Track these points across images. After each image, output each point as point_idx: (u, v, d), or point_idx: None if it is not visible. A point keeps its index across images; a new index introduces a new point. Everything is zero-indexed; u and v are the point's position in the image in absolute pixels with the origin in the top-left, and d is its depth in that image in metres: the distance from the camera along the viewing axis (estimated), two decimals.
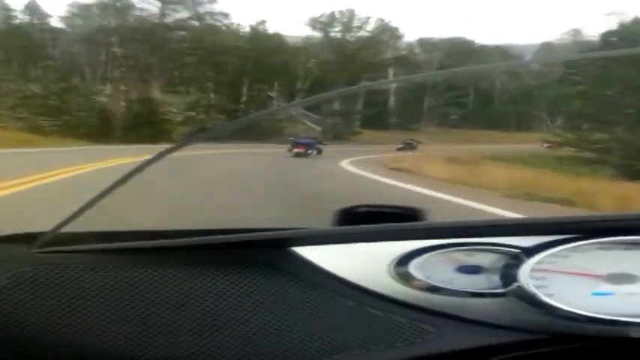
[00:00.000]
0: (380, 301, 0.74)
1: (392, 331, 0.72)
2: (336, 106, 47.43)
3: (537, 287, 0.72)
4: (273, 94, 48.12)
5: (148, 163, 0.77)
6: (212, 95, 48.43)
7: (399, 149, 35.82)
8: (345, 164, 20.36)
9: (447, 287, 0.74)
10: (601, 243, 0.75)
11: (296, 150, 24.28)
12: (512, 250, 0.74)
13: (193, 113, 44.71)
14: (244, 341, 0.72)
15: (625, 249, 0.75)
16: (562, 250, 0.74)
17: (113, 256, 0.78)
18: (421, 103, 58.39)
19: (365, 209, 0.93)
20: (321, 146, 26.75)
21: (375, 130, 49.54)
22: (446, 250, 0.75)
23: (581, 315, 0.72)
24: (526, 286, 0.72)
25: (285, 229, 0.80)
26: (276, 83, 49.26)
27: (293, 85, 50.52)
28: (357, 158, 23.36)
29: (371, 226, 0.79)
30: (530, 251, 0.74)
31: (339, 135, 45.90)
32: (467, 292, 0.73)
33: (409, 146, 38.46)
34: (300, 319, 0.73)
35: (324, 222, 0.91)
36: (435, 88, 57.51)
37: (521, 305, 0.73)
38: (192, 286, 0.74)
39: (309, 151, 24.93)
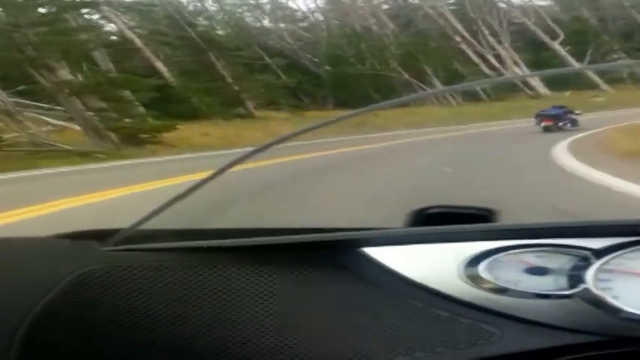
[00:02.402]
0: (446, 302, 0.74)
1: (456, 333, 0.73)
2: None
3: (603, 289, 0.72)
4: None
5: (246, 156, 0.79)
6: None
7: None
8: (562, 151, 13.52)
9: (514, 288, 0.73)
10: None
11: (544, 124, 21.13)
12: (581, 251, 0.74)
13: None
14: (309, 342, 0.73)
15: None
16: (631, 251, 0.73)
17: (183, 255, 0.79)
18: None
19: (436, 210, 0.93)
20: (575, 116, 22.83)
21: None
22: (515, 251, 0.75)
23: None
24: (592, 288, 0.72)
25: (354, 229, 0.80)
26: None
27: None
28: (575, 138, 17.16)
29: (441, 227, 0.79)
30: (599, 253, 0.73)
31: None
32: (532, 294, 0.73)
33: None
34: (365, 320, 0.74)
35: (396, 223, 0.91)
36: None
37: (586, 307, 0.72)
38: (259, 287, 0.75)
39: (561, 124, 21.42)
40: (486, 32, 51.65)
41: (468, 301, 0.74)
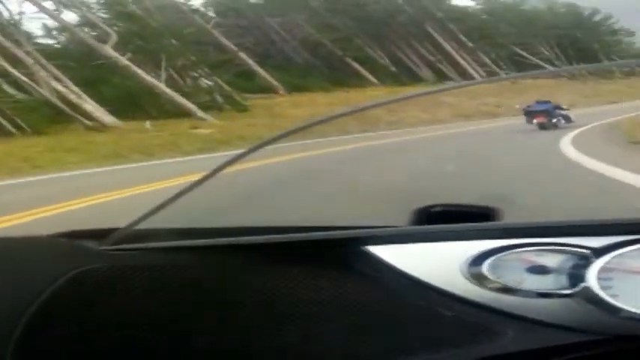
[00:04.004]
0: (450, 301, 0.74)
1: (459, 332, 0.73)
2: None
3: (603, 288, 0.72)
4: None
5: (239, 157, 0.78)
6: None
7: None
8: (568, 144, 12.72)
9: (516, 287, 0.74)
10: None
11: (538, 120, 19.03)
12: (581, 250, 0.74)
13: None
14: (309, 340, 0.73)
15: None
16: (631, 250, 0.74)
17: (180, 254, 0.78)
18: None
19: (439, 208, 0.92)
20: (566, 112, 20.60)
21: None
22: (518, 250, 0.75)
23: None
24: (593, 287, 0.72)
25: (358, 227, 0.80)
26: None
27: None
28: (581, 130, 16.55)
29: (444, 225, 0.80)
30: (600, 252, 0.74)
31: None
32: (534, 293, 0.74)
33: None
34: (368, 319, 0.74)
35: (399, 221, 0.92)
36: None
37: (587, 306, 0.72)
38: (260, 285, 0.75)
39: (554, 120, 19.40)
40: None
41: (471, 300, 0.74)
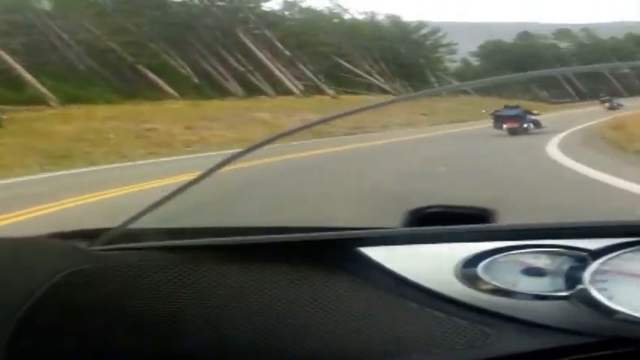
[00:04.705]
0: (443, 302, 0.74)
1: (453, 334, 0.72)
2: None
3: (599, 290, 0.72)
4: None
5: (236, 157, 0.78)
6: None
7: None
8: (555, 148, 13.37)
9: (511, 289, 0.74)
10: None
11: (509, 126, 18.91)
12: (578, 252, 0.75)
13: None
14: (302, 341, 0.72)
15: None
16: (627, 252, 0.74)
17: (172, 254, 0.78)
18: None
19: (434, 210, 0.91)
20: (536, 117, 20.70)
21: None
22: (513, 252, 0.75)
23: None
24: (589, 289, 0.72)
25: (351, 228, 0.80)
26: None
27: None
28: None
29: (438, 227, 0.79)
30: (595, 254, 0.74)
31: None
32: (530, 295, 0.73)
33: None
34: (361, 321, 0.73)
35: (393, 222, 0.89)
36: None
37: (583, 308, 0.72)
38: (252, 285, 0.74)
39: (525, 125, 19.33)
40: None
41: (465, 302, 0.74)
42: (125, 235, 0.79)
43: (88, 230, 0.84)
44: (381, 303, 0.74)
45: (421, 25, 62.19)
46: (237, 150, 0.81)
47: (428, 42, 61.87)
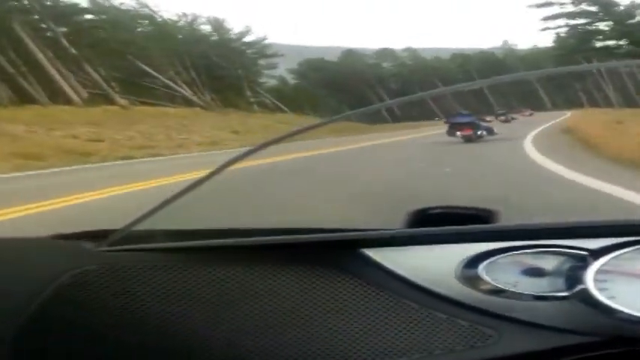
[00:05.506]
0: (444, 303, 0.74)
1: (453, 335, 0.73)
2: None
3: (600, 290, 0.72)
4: None
5: (242, 157, 0.79)
6: None
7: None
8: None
9: (512, 290, 0.74)
10: None
11: (464, 133, 18.63)
12: (578, 252, 0.74)
13: None
14: (305, 342, 0.72)
15: None
16: (628, 252, 0.74)
17: (178, 255, 0.79)
18: None
19: (436, 210, 0.91)
20: (487, 124, 20.63)
21: None
22: (513, 252, 0.75)
23: None
24: (589, 289, 0.72)
25: (354, 230, 0.80)
26: None
27: None
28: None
29: (439, 228, 0.79)
30: (596, 253, 0.74)
31: None
32: (530, 295, 0.73)
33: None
34: (362, 321, 0.73)
35: (395, 223, 0.89)
36: None
37: (584, 308, 0.72)
38: (256, 286, 0.75)
39: (479, 132, 19.04)
40: None
41: (466, 302, 0.74)
42: (131, 236, 0.79)
43: (93, 231, 0.84)
44: (383, 304, 0.74)
45: (246, 31, 57.70)
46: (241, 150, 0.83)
47: (250, 50, 57.57)
